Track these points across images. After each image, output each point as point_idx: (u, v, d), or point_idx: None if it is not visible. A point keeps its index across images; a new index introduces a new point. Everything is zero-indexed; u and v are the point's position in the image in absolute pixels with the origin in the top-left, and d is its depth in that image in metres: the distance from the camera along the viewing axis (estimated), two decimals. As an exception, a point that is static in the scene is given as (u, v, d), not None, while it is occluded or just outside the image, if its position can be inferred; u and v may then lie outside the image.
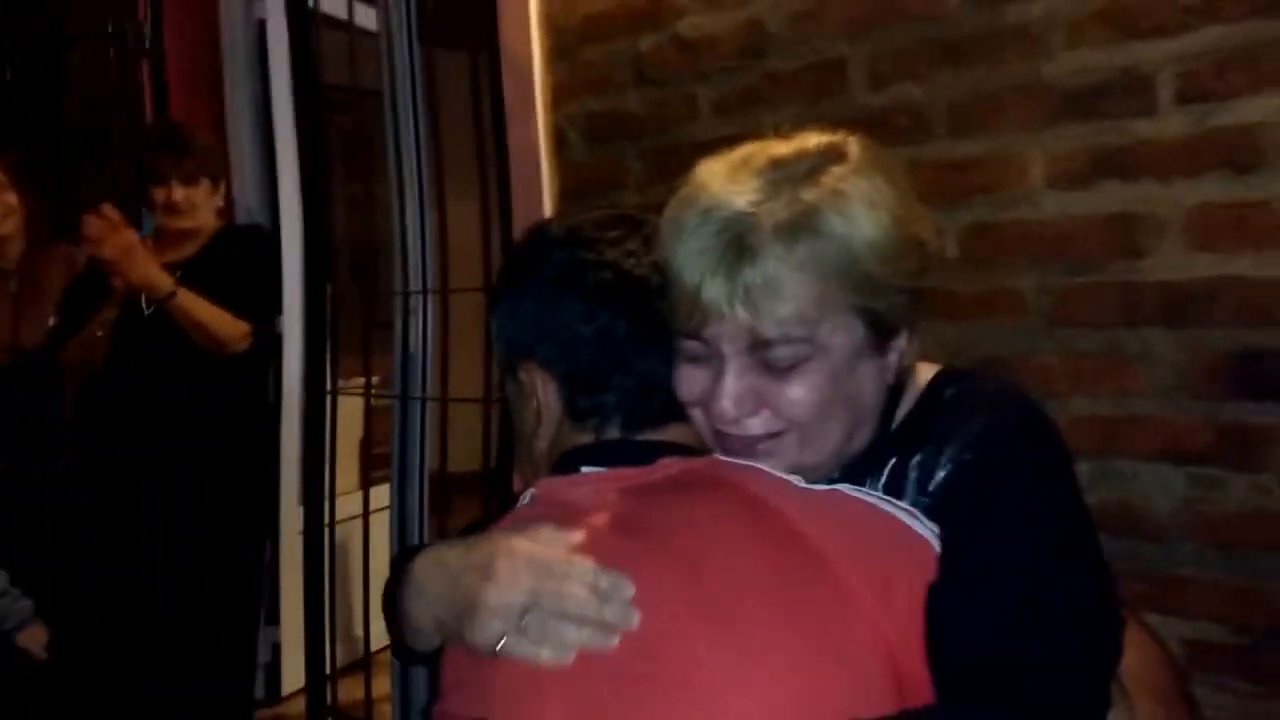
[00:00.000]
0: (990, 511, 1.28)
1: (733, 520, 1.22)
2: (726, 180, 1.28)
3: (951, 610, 1.20)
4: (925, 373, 1.44)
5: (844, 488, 1.30)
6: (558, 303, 1.39)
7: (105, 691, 3.46)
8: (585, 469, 1.34)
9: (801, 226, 1.24)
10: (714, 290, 1.25)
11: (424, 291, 3.38)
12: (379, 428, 3.69)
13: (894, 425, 1.40)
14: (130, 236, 3.48)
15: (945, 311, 2.31)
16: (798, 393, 1.28)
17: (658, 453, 1.35)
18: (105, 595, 3.50)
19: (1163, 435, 2.09)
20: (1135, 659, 1.36)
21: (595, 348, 1.37)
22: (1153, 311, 2.08)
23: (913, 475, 1.35)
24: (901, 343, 1.36)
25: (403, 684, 3.37)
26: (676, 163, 2.61)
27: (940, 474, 1.33)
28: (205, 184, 3.69)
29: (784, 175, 1.28)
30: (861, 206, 1.26)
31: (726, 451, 1.34)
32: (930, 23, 2.34)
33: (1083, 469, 2.03)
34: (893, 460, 1.36)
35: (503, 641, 1.19)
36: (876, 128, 2.35)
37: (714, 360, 1.30)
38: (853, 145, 1.32)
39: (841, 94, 2.48)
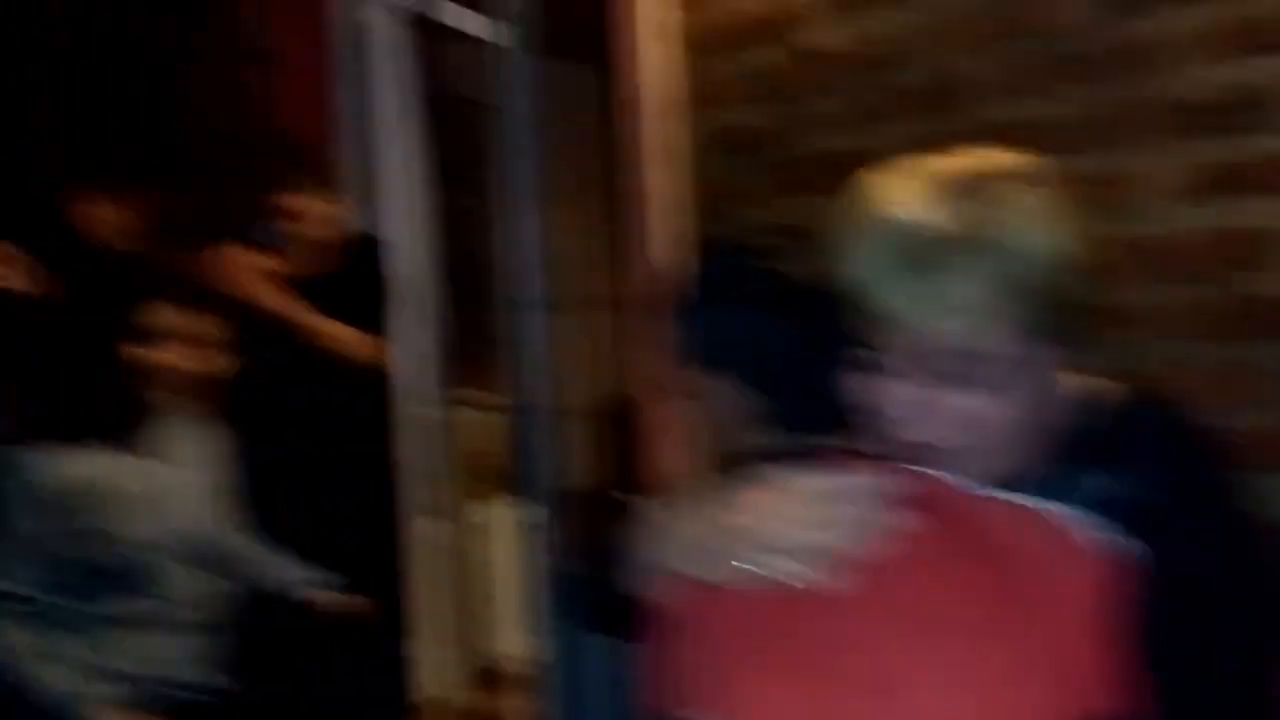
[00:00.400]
0: (1207, 539, 1.32)
1: (930, 533, 1.27)
2: (907, 193, 1.32)
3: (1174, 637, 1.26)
4: (1103, 385, 1.45)
5: (1002, 494, 1.33)
6: (744, 315, 1.49)
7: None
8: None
9: (982, 240, 1.28)
10: (891, 301, 1.29)
11: (539, 302, 3.47)
12: (495, 440, 3.77)
13: (1076, 437, 1.40)
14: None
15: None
16: (971, 404, 1.32)
17: (840, 458, 1.39)
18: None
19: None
20: None
21: (778, 358, 1.48)
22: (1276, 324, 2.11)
23: (1086, 490, 1.35)
24: (1076, 356, 1.37)
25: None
26: (801, 176, 2.70)
27: (1115, 493, 1.34)
28: (327, 194, 3.85)
29: (963, 189, 1.31)
30: (1039, 221, 1.30)
31: (901, 456, 1.37)
32: (1051, 37, 2.37)
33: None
34: (1065, 471, 1.37)
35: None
36: (998, 142, 2.40)
37: (893, 369, 1.33)
38: (1026, 161, 1.36)
39: (961, 109, 2.52)
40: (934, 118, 2.57)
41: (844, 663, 1.22)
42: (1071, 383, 1.41)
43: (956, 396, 1.31)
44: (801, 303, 1.44)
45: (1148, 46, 2.23)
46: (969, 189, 1.31)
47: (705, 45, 3.03)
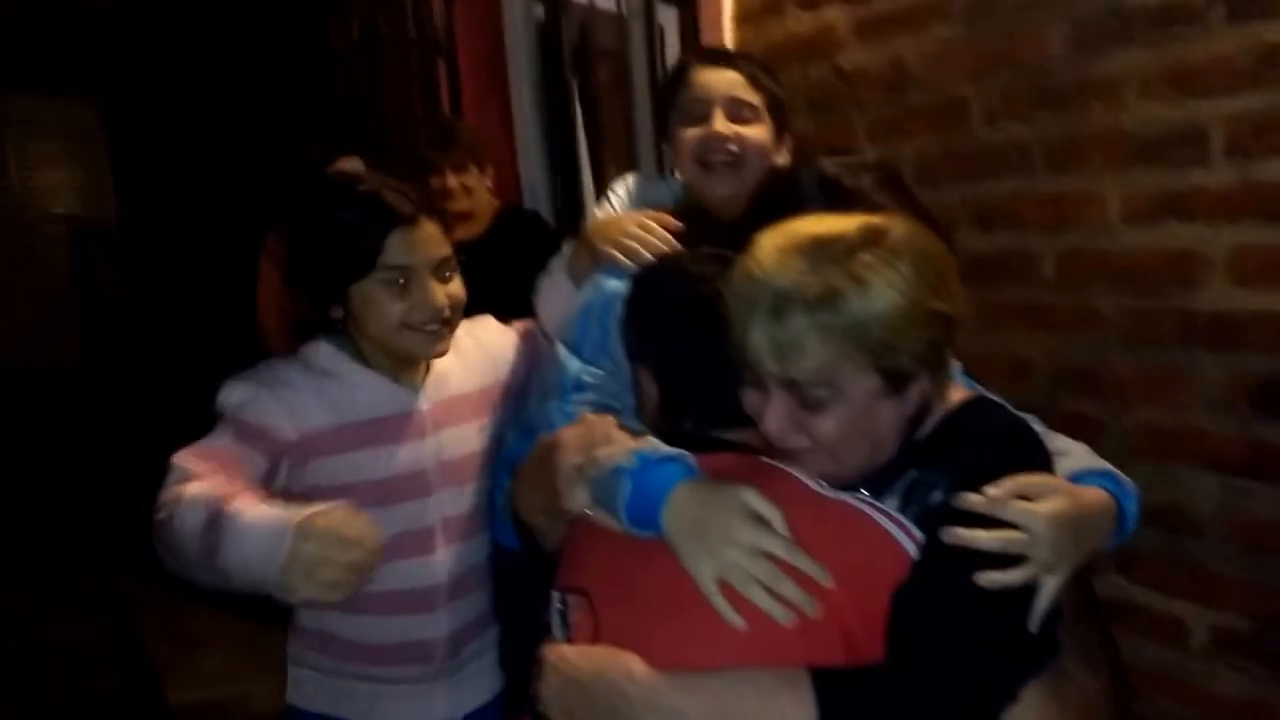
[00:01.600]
0: (950, 547, 1.54)
1: None
2: (775, 258, 1.61)
3: (901, 605, 1.53)
4: (956, 396, 1.75)
5: (850, 498, 1.62)
6: (663, 323, 1.82)
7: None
8: None
9: (824, 302, 1.57)
10: (754, 341, 1.61)
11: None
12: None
13: (915, 442, 1.71)
14: None
15: (1043, 323, 2.59)
16: (824, 425, 1.62)
17: (719, 447, 1.74)
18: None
19: (1206, 446, 2.32)
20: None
21: (684, 361, 1.80)
22: (1202, 336, 2.31)
23: (921, 489, 1.65)
24: (923, 384, 1.66)
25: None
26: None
27: (937, 493, 1.62)
28: (474, 170, 4.16)
29: (820, 255, 1.60)
30: (880, 288, 1.57)
31: (777, 455, 1.69)
32: (1033, 69, 2.59)
33: (1146, 470, 2.32)
34: (911, 474, 1.67)
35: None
36: (993, 161, 2.66)
37: (764, 389, 1.66)
38: (894, 230, 1.62)
39: (965, 129, 2.76)
40: (941, 136, 2.82)
41: (651, 590, 1.61)
42: (930, 398, 1.69)
43: (815, 419, 1.63)
44: (717, 320, 1.69)
45: (1110, 82, 2.43)
46: (825, 253, 1.60)
47: (768, 60, 3.31)
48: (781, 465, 1.66)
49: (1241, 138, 2.21)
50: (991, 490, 1.55)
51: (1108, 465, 1.75)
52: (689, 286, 1.81)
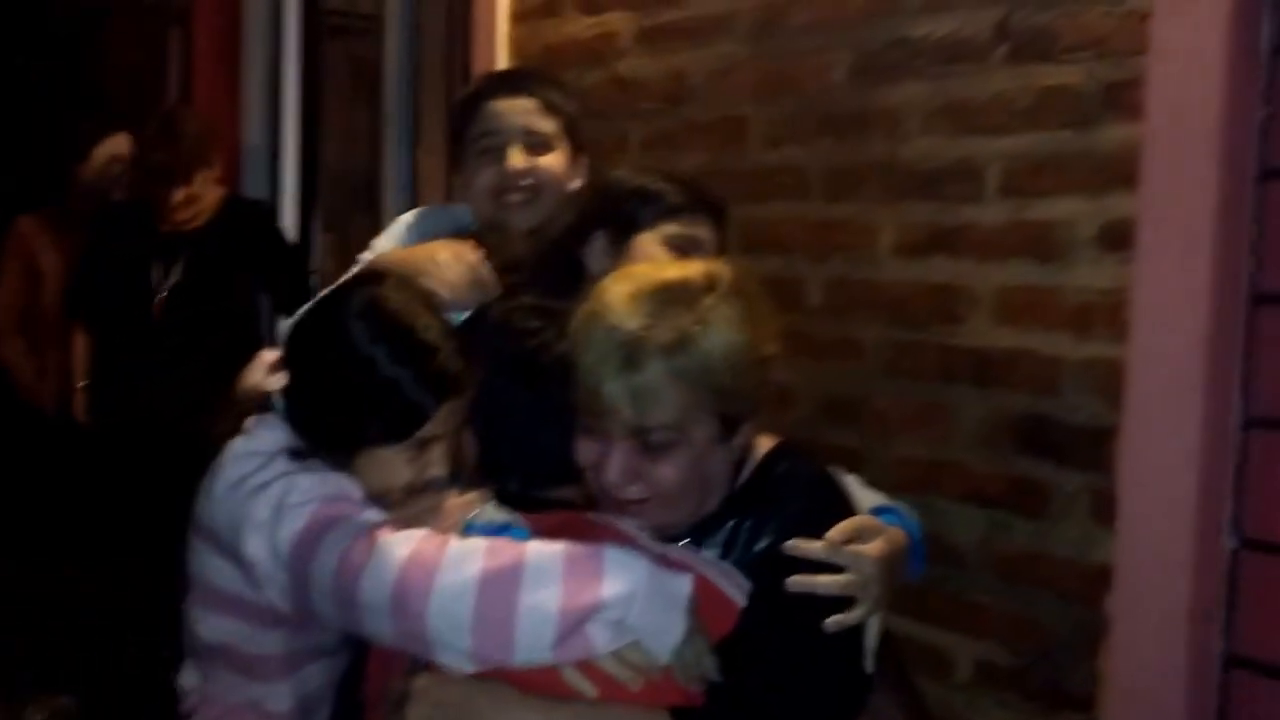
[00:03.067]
0: (787, 594, 1.67)
1: None
2: (625, 303, 1.70)
3: (738, 650, 1.63)
4: (763, 445, 1.87)
5: (676, 553, 1.71)
6: (487, 380, 1.82)
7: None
8: None
9: (677, 347, 1.66)
10: (609, 391, 1.67)
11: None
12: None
13: (734, 490, 1.81)
14: None
15: (807, 350, 2.69)
16: (665, 472, 1.71)
17: (544, 506, 1.78)
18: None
19: (967, 480, 2.46)
20: None
21: (509, 419, 1.81)
22: (965, 371, 2.45)
23: (743, 537, 1.77)
24: (747, 428, 1.78)
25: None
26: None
27: (763, 542, 1.75)
28: (200, 173, 4.10)
29: (669, 300, 1.70)
30: (724, 331, 1.68)
31: (607, 508, 1.76)
32: (817, 95, 2.70)
33: (908, 502, 2.43)
34: (730, 522, 1.78)
35: None
36: (767, 183, 2.75)
37: (605, 440, 1.71)
38: (725, 272, 1.76)
39: (742, 149, 2.85)
40: (718, 154, 2.91)
41: None
42: (745, 446, 1.81)
43: (657, 466, 1.71)
44: (543, 376, 1.78)
45: (890, 113, 2.56)
46: (672, 298, 1.70)
47: (543, 61, 3.37)
48: (611, 523, 1.73)
49: (1016, 176, 2.36)
50: (829, 535, 1.70)
51: (889, 501, 1.88)
52: (514, 342, 1.84)
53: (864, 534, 1.75)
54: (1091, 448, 2.24)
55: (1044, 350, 2.32)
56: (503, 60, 3.46)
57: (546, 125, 2.37)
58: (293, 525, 1.74)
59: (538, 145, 2.36)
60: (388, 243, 2.51)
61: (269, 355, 2.35)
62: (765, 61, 2.80)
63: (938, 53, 2.47)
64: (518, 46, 3.45)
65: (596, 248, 2.12)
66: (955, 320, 2.46)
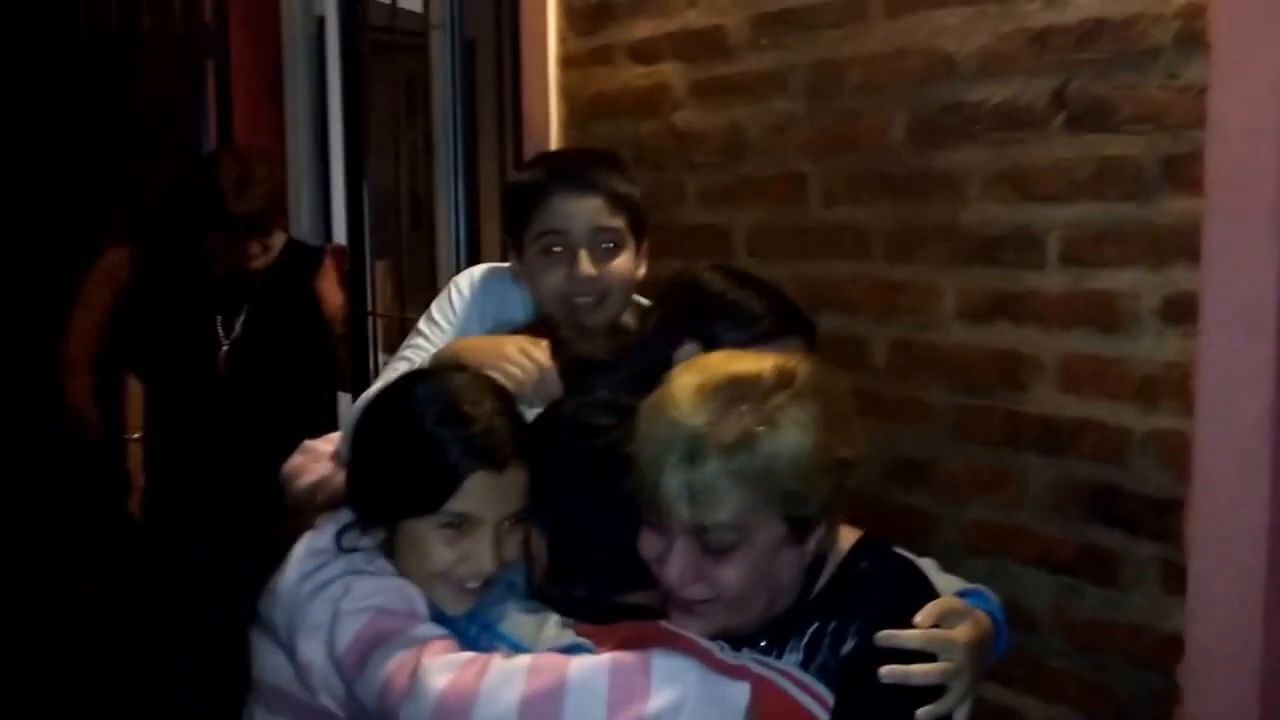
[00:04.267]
0: (879, 689, 1.76)
1: None
2: (691, 397, 1.76)
3: None
4: (846, 538, 1.95)
5: (753, 664, 1.77)
6: (557, 480, 1.91)
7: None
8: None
9: (739, 447, 1.71)
10: (666, 487, 1.73)
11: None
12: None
13: (815, 591, 1.89)
14: None
15: (872, 411, 2.82)
16: (728, 574, 1.77)
17: (615, 611, 1.85)
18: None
19: (1038, 545, 2.59)
20: None
21: (579, 522, 1.90)
22: (1031, 438, 2.58)
23: (828, 640, 1.84)
24: (820, 532, 1.85)
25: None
26: (665, 242, 3.17)
27: (850, 643, 1.82)
28: (277, 228, 4.21)
29: (736, 397, 1.75)
30: (792, 432, 1.73)
31: (672, 606, 1.83)
32: (875, 155, 2.82)
33: (980, 565, 2.58)
34: (814, 625, 1.86)
35: None
36: (829, 241, 2.88)
37: (667, 535, 1.78)
38: (802, 369, 1.80)
39: (801, 205, 2.98)
40: (777, 210, 3.04)
41: None
42: (824, 545, 1.88)
43: (719, 568, 1.77)
44: (613, 474, 1.83)
45: (950, 177, 2.68)
46: (739, 395, 1.75)
47: (596, 108, 3.51)
48: (683, 632, 1.79)
49: (1077, 245, 2.47)
50: (917, 620, 1.78)
51: (973, 584, 2.00)
52: (585, 441, 1.92)
53: (950, 617, 1.84)
54: (1160, 518, 2.36)
55: (1110, 420, 2.44)
56: (554, 107, 3.59)
57: (615, 222, 2.44)
58: (344, 634, 1.81)
59: (607, 246, 2.43)
60: (459, 307, 2.60)
61: (316, 445, 2.49)
62: (822, 119, 2.92)
63: (995, 118, 2.58)
64: (568, 93, 3.59)
65: (686, 353, 2.16)
66: (1020, 386, 2.58)
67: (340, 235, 4.76)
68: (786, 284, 2.86)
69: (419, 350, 2.52)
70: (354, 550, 1.93)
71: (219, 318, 4.12)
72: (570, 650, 1.76)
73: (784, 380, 1.77)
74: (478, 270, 2.70)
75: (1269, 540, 2.21)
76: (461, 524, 1.89)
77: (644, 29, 3.35)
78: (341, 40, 4.56)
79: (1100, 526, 2.48)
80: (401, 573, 1.93)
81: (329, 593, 1.86)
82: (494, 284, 2.64)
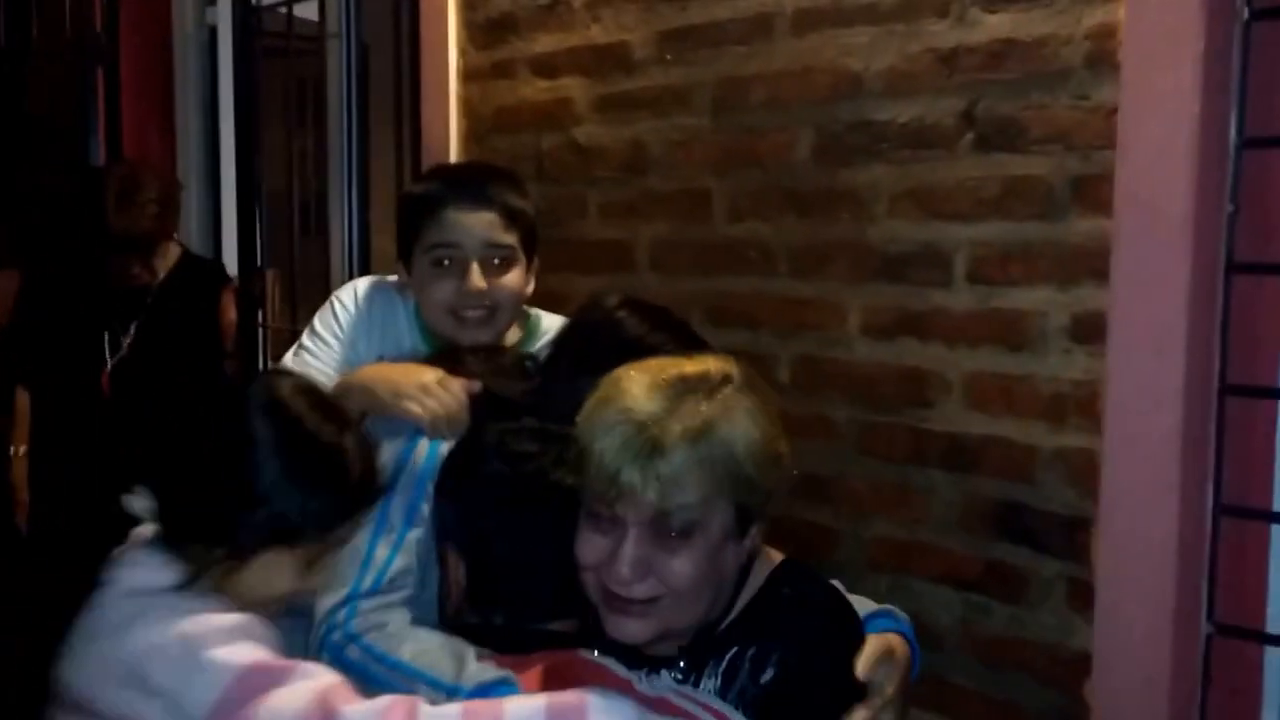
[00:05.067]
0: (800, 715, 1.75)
1: None
2: (644, 390, 1.73)
3: None
4: (765, 561, 1.90)
5: (674, 696, 1.71)
6: (481, 508, 1.83)
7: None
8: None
9: (702, 434, 1.70)
10: (628, 478, 1.68)
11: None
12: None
13: (735, 612, 1.84)
14: None
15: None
16: (681, 564, 1.73)
17: (533, 638, 1.77)
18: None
19: (944, 562, 2.52)
20: None
21: (503, 549, 1.82)
22: (937, 455, 2.51)
23: (747, 666, 1.80)
24: (755, 531, 1.81)
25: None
26: (567, 256, 3.06)
27: (769, 671, 1.78)
28: (165, 242, 3.98)
29: (687, 390, 1.74)
30: (744, 422, 1.73)
31: (611, 609, 1.76)
32: (780, 171, 2.74)
33: (883, 581, 2.51)
34: (733, 649, 1.81)
35: None
36: (733, 257, 2.79)
37: (617, 531, 1.73)
38: (736, 370, 1.80)
39: (705, 220, 2.90)
40: (681, 225, 2.95)
41: None
42: (753, 552, 1.84)
43: (671, 560, 1.72)
44: (539, 502, 1.79)
45: (856, 194, 2.61)
46: (692, 389, 1.74)
47: (497, 122, 3.40)
48: (601, 662, 1.73)
49: (984, 264, 2.42)
50: (861, 675, 1.78)
51: (882, 604, 1.94)
52: (511, 467, 1.85)
53: (884, 661, 1.83)
54: (1067, 536, 2.31)
55: (1017, 438, 2.38)
56: (454, 120, 3.47)
57: (508, 238, 2.37)
58: (206, 694, 1.52)
59: (498, 261, 2.36)
60: (344, 321, 2.51)
61: None
62: (726, 135, 2.84)
63: (902, 137, 2.53)
64: (469, 106, 3.48)
65: None
66: (926, 404, 2.52)
67: (230, 243, 4.58)
68: (690, 300, 2.81)
69: (306, 367, 2.43)
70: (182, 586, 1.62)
71: (105, 335, 3.92)
72: (496, 687, 1.67)
73: (726, 376, 1.78)
74: (362, 283, 2.61)
75: (1178, 558, 2.17)
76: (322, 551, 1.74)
77: (546, 43, 3.25)
78: (235, 46, 4.38)
79: (1007, 544, 2.42)
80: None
81: (168, 650, 1.54)
82: (379, 298, 2.56)
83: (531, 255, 2.44)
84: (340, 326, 2.50)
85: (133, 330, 3.90)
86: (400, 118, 3.93)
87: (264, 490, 1.63)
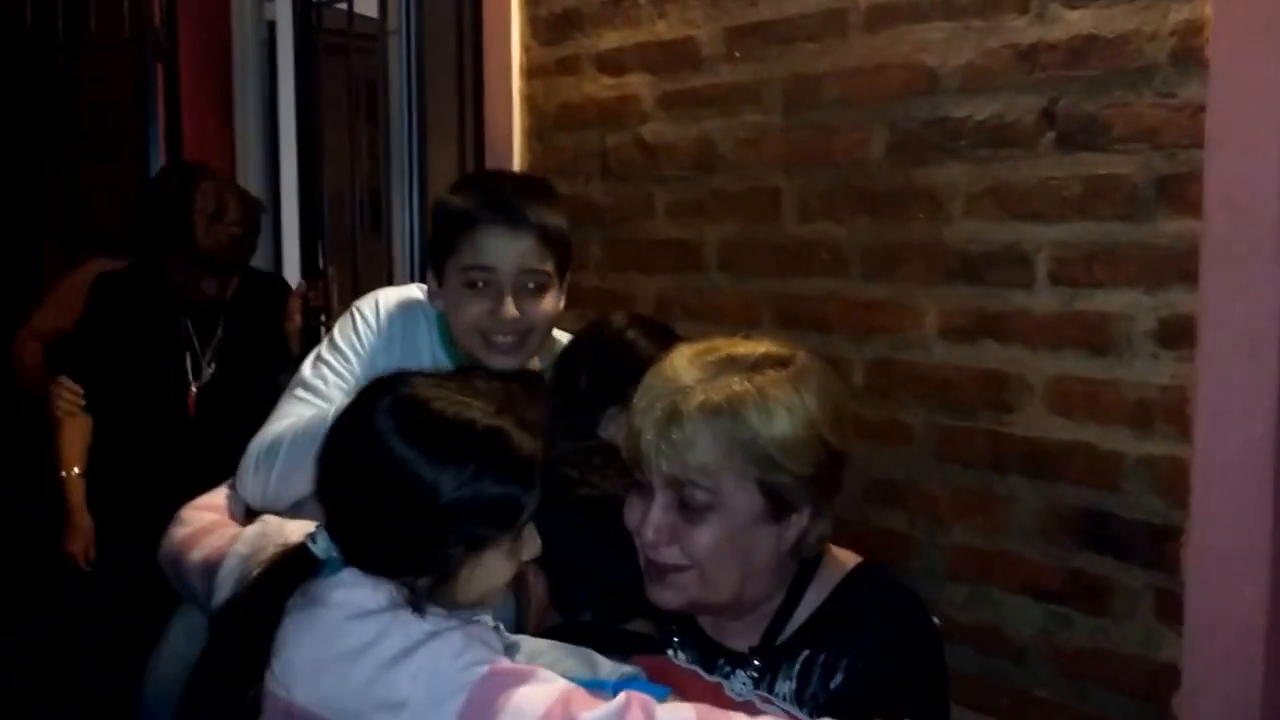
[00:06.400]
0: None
1: None
2: (686, 362, 1.75)
3: None
4: (842, 562, 1.87)
5: (756, 699, 1.70)
6: (556, 517, 1.77)
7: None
8: None
9: (721, 408, 1.69)
10: (647, 439, 1.71)
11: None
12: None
13: (809, 612, 1.81)
14: None
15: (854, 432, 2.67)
16: (701, 536, 1.71)
17: (620, 638, 1.78)
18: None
19: (1024, 572, 2.45)
20: None
21: (572, 552, 1.82)
22: (1017, 461, 2.44)
23: (819, 670, 1.76)
24: (803, 520, 1.77)
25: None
26: (633, 255, 3.01)
27: (840, 676, 1.74)
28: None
29: (728, 367, 1.73)
30: (777, 407, 1.70)
31: (649, 577, 1.77)
32: (853, 170, 2.67)
33: (962, 590, 2.44)
34: (805, 653, 1.78)
35: None
36: (804, 257, 2.73)
37: (648, 497, 1.74)
38: (800, 358, 1.78)
39: (775, 220, 2.83)
40: (749, 224, 2.89)
41: None
42: (813, 546, 1.80)
43: (693, 530, 1.72)
44: (605, 510, 1.82)
45: (932, 194, 2.54)
46: (733, 365, 1.73)
47: (560, 119, 3.35)
48: (690, 668, 1.74)
49: (1067, 265, 2.34)
50: None
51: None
52: (579, 476, 1.88)
53: None
54: (1154, 545, 2.23)
55: (1101, 444, 2.31)
56: (517, 117, 3.42)
57: (544, 264, 2.31)
58: (453, 700, 1.53)
59: (532, 286, 2.30)
60: (365, 336, 2.42)
61: (199, 513, 2.26)
62: (797, 133, 2.77)
63: (980, 135, 2.45)
64: (532, 103, 3.42)
65: (612, 415, 2.20)
66: (1006, 408, 2.44)
67: (292, 243, 4.55)
68: (760, 301, 2.75)
69: (325, 381, 2.35)
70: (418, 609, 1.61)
71: (187, 355, 3.71)
72: (635, 680, 1.65)
73: (781, 361, 1.76)
74: (385, 298, 2.51)
75: (1270, 568, 2.09)
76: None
77: (611, 39, 3.19)
78: (295, 42, 4.35)
79: (1090, 553, 2.35)
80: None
81: (412, 663, 1.55)
82: (400, 315, 2.47)
83: (564, 275, 2.38)
84: (360, 341, 2.41)
85: (213, 353, 3.73)
86: (463, 115, 3.87)
87: (445, 507, 1.59)
